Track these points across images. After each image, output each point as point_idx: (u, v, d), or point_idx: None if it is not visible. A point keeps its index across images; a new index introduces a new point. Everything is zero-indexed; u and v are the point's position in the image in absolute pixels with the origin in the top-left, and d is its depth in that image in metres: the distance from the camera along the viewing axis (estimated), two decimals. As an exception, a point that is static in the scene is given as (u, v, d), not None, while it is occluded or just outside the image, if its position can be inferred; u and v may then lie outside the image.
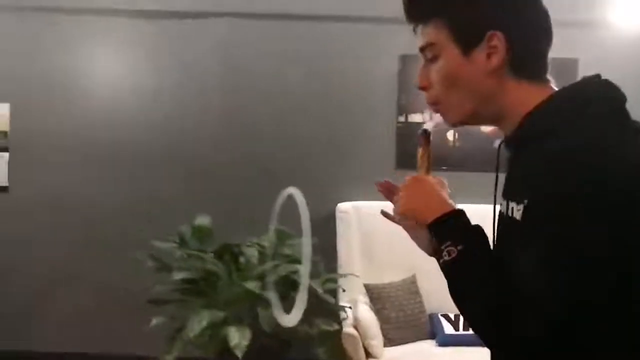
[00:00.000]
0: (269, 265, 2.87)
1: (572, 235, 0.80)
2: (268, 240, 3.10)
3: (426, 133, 1.08)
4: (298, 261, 3.00)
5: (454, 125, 1.02)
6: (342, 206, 3.46)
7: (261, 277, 2.77)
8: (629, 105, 0.89)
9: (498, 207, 1.02)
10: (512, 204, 0.92)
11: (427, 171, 1.07)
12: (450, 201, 1.00)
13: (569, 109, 0.88)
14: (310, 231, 1.90)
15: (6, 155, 3.62)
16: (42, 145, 3.61)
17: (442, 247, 0.92)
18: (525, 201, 0.86)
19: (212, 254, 2.95)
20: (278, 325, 2.59)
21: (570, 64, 3.44)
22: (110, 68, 3.64)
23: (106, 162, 3.61)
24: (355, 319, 2.96)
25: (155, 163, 3.60)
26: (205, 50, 3.58)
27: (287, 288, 2.76)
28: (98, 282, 3.51)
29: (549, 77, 0.96)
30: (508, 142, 0.98)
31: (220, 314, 2.55)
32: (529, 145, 0.91)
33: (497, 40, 0.91)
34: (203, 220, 3.16)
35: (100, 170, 3.61)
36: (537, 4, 0.94)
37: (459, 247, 0.90)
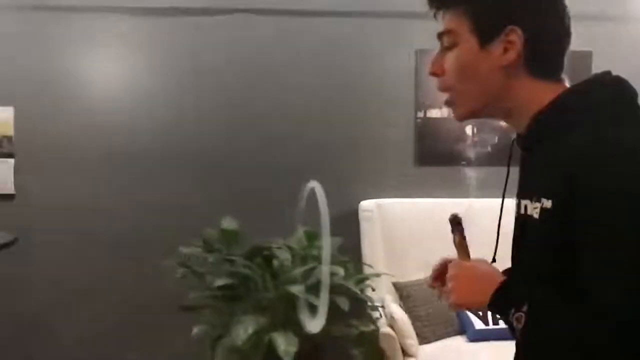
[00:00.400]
0: (305, 268, 2.82)
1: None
2: (297, 241, 3.05)
3: (457, 219, 1.06)
4: (332, 262, 2.97)
5: (462, 118, 1.01)
6: (365, 204, 3.42)
7: (299, 280, 2.72)
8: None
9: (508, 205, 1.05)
10: (526, 202, 0.94)
11: (467, 256, 1.04)
12: (496, 269, 0.98)
13: (582, 107, 0.88)
14: (329, 230, 1.87)
15: (11, 161, 3.46)
16: (50, 150, 3.46)
17: (510, 319, 0.89)
18: (548, 201, 0.87)
19: (242, 258, 2.88)
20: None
21: (585, 57, 3.48)
22: (121, 69, 3.50)
23: (118, 166, 3.48)
24: (391, 318, 2.94)
25: (171, 166, 3.49)
26: (220, 48, 3.49)
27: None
28: (119, 293, 3.39)
29: (563, 75, 0.96)
30: (521, 140, 0.98)
31: (265, 320, 2.49)
32: (544, 144, 0.91)
33: (515, 35, 0.91)
34: (229, 223, 3.09)
35: (112, 175, 3.48)
36: (558, 4, 0.94)
37: (524, 309, 0.87)
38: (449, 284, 0.99)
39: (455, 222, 1.07)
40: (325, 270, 2.61)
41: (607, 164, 0.81)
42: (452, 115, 1.04)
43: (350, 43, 3.52)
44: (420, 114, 3.52)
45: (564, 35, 0.95)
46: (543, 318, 0.86)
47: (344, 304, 2.61)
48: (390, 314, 2.96)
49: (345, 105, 3.53)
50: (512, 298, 0.90)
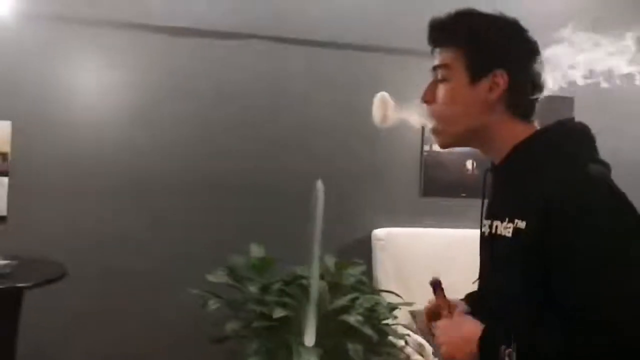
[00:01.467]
0: (351, 297, 2.83)
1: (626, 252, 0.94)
2: (324, 269, 3.07)
3: (437, 283, 1.21)
4: (370, 292, 3.02)
5: (445, 145, 1.15)
6: (378, 233, 3.51)
7: (343, 311, 2.74)
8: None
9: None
10: (497, 223, 1.08)
11: (449, 313, 1.16)
12: (475, 321, 1.08)
13: (555, 144, 1.05)
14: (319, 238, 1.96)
15: (5, 180, 3.18)
16: (49, 169, 3.22)
17: (503, 357, 0.98)
18: (522, 222, 1.00)
19: (281, 286, 2.86)
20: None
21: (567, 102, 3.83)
22: (129, 86, 3.34)
23: (126, 189, 3.30)
24: (419, 346, 3.02)
25: (181, 190, 3.37)
26: (239, 73, 3.45)
27: (373, 320, 2.77)
28: (135, 326, 3.20)
29: (533, 118, 1.13)
30: (498, 169, 1.13)
31: (317, 351, 2.48)
32: (519, 173, 1.06)
33: (501, 78, 1.06)
34: (258, 251, 3.04)
35: (119, 200, 3.30)
36: (538, 60, 1.10)
37: (512, 346, 0.97)
38: (438, 341, 1.11)
39: (436, 285, 1.20)
40: (314, 285, 2.62)
41: (580, 193, 0.96)
42: (435, 142, 1.18)
43: (361, 76, 3.61)
44: (427, 147, 3.68)
45: (539, 84, 1.10)
46: (532, 347, 0.97)
47: (376, 333, 2.66)
48: (417, 341, 3.04)
49: (360, 137, 3.59)
50: (498, 339, 1.00)
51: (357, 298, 2.78)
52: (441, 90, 1.10)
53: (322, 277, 3.00)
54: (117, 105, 3.32)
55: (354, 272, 3.07)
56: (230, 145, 3.44)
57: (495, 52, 1.07)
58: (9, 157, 3.18)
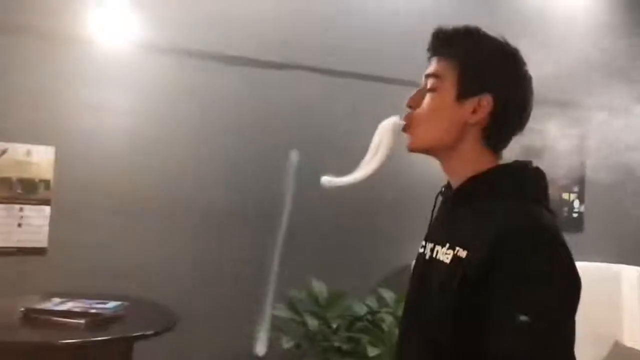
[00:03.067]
0: None
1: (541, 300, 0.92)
2: (383, 303, 3.08)
3: None
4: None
5: (413, 149, 1.14)
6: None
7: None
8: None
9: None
10: (438, 247, 1.07)
11: None
12: None
13: (511, 183, 1.05)
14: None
15: (47, 209, 2.97)
16: (92, 198, 3.03)
17: None
18: (463, 251, 0.99)
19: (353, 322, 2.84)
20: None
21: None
22: (177, 111, 3.22)
23: (169, 219, 3.17)
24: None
25: (229, 221, 3.27)
26: (279, 104, 3.41)
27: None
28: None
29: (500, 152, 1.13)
30: (452, 192, 1.13)
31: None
32: (470, 202, 1.06)
33: (487, 103, 1.05)
34: (320, 286, 3.01)
35: (168, 232, 3.15)
36: (528, 96, 1.10)
37: None
38: None
39: None
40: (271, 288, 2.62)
41: (528, 239, 0.94)
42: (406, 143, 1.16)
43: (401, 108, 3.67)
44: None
45: (521, 123, 1.10)
46: None
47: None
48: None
49: (391, 171, 3.62)
50: None
51: None
52: (427, 99, 1.10)
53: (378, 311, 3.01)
54: (161, 131, 3.19)
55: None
56: (269, 178, 3.38)
57: (488, 77, 1.07)
58: (52, 185, 2.98)
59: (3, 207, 2.89)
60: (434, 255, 1.08)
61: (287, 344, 2.73)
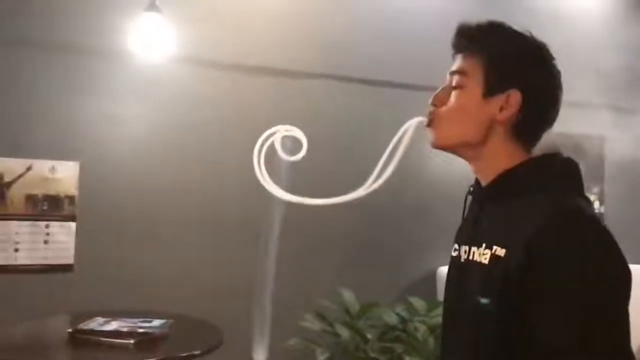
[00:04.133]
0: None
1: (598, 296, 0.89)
2: (414, 311, 3.06)
3: None
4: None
5: (436, 146, 1.10)
6: (443, 270, 3.53)
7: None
8: None
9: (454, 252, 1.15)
10: (474, 249, 1.03)
11: None
12: None
13: (543, 176, 1.02)
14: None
15: (73, 225, 2.94)
16: (117, 213, 3.00)
17: None
18: (501, 249, 0.96)
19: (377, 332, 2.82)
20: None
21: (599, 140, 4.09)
22: (205, 122, 3.19)
23: (197, 232, 3.14)
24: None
25: (258, 236, 3.24)
26: (306, 113, 3.39)
27: None
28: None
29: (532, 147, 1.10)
30: (480, 191, 1.10)
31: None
32: (503, 199, 1.03)
33: (514, 99, 1.02)
34: (349, 296, 2.99)
35: (193, 245, 3.13)
36: (557, 90, 1.07)
37: None
38: None
39: None
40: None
41: (569, 229, 0.91)
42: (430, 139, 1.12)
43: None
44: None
45: (551, 118, 1.07)
46: None
47: None
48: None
49: (417, 181, 3.61)
50: None
51: None
52: (453, 97, 1.06)
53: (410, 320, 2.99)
54: (188, 145, 3.16)
55: (440, 312, 3.08)
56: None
57: (515, 72, 1.03)
58: (77, 201, 2.94)
59: (29, 224, 2.86)
60: (470, 257, 1.05)
61: (321, 356, 2.71)
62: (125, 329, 1.90)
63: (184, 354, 1.76)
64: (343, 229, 3.40)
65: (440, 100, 1.08)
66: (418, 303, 3.08)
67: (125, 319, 2.03)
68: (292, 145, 1.38)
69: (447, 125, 1.07)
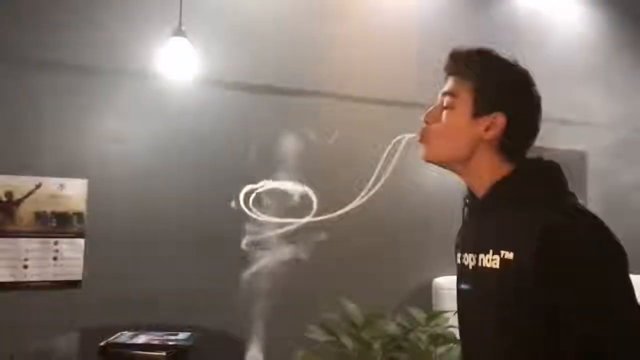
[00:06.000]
0: (442, 348, 2.95)
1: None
2: (414, 322, 3.17)
3: None
4: (452, 340, 3.14)
5: (427, 159, 1.21)
6: (439, 281, 3.66)
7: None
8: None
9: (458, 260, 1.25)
10: (481, 256, 1.12)
11: None
12: None
13: (535, 181, 1.12)
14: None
15: (81, 242, 2.98)
16: (127, 231, 3.05)
17: None
18: (509, 253, 1.05)
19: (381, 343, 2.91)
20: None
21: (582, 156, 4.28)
22: (212, 138, 3.27)
23: (205, 248, 3.20)
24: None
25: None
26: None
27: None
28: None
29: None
30: (477, 202, 1.20)
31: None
32: (501, 206, 1.12)
33: (499, 121, 1.14)
34: (353, 308, 3.08)
35: (202, 259, 3.18)
36: (537, 113, 1.18)
37: None
38: None
39: None
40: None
41: (578, 224, 1.01)
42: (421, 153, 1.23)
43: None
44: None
45: (532, 136, 1.19)
46: None
47: None
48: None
49: (412, 195, 3.74)
50: None
51: (451, 349, 2.89)
52: (444, 116, 1.17)
53: (411, 330, 3.10)
54: (193, 161, 3.24)
55: (439, 322, 3.19)
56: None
57: (501, 96, 1.14)
58: (85, 218, 2.99)
59: (38, 241, 2.89)
60: (479, 264, 1.13)
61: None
62: (156, 342, 1.97)
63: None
64: (337, 242, 3.50)
65: (432, 118, 1.19)
66: (418, 314, 3.18)
67: (150, 333, 2.10)
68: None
69: (438, 142, 1.18)
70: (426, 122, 1.20)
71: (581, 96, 4.17)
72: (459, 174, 1.21)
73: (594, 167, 4.29)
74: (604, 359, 0.98)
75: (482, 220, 1.17)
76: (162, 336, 2.07)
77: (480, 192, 1.18)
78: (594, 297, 1.00)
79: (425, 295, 3.70)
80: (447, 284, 3.65)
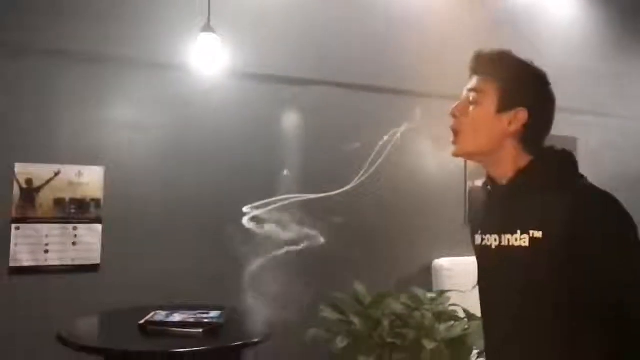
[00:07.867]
0: (446, 325, 3.11)
1: None
2: (418, 301, 3.33)
3: None
4: (455, 318, 3.31)
5: (457, 153, 1.32)
6: (439, 262, 3.82)
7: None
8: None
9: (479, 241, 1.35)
10: (507, 236, 1.24)
11: None
12: None
13: (554, 168, 1.25)
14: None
15: (99, 227, 3.07)
16: (143, 216, 3.15)
17: None
18: (538, 232, 1.17)
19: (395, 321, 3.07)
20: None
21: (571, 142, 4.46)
22: (228, 125, 3.38)
23: (220, 235, 3.30)
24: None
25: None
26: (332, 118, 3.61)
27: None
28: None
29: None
30: (501, 188, 1.30)
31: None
32: (528, 191, 1.23)
33: (522, 116, 1.26)
34: (361, 288, 3.23)
35: (217, 242, 3.29)
36: (553, 109, 1.31)
37: None
38: None
39: None
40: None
41: (603, 203, 1.15)
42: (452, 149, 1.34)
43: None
44: (470, 184, 4.08)
45: (549, 128, 1.31)
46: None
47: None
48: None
49: (413, 180, 3.89)
50: None
51: (452, 327, 3.06)
52: (472, 110, 1.28)
53: (417, 309, 3.26)
54: (211, 148, 3.34)
55: (442, 301, 3.36)
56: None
57: (523, 93, 1.26)
58: (102, 204, 3.08)
59: (58, 226, 2.98)
60: (504, 243, 1.24)
61: (341, 343, 2.94)
62: (191, 320, 2.08)
63: (249, 341, 1.96)
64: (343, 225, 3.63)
65: (460, 112, 1.29)
66: (420, 292, 3.34)
67: (184, 312, 2.21)
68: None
69: (470, 137, 1.28)
70: (454, 115, 1.30)
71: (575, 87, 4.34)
72: (485, 164, 1.32)
73: (584, 152, 4.48)
74: (627, 323, 1.12)
75: (506, 204, 1.28)
76: (195, 314, 2.18)
77: (503, 180, 1.29)
78: (618, 265, 1.13)
79: (425, 277, 3.86)
80: (446, 265, 3.82)
